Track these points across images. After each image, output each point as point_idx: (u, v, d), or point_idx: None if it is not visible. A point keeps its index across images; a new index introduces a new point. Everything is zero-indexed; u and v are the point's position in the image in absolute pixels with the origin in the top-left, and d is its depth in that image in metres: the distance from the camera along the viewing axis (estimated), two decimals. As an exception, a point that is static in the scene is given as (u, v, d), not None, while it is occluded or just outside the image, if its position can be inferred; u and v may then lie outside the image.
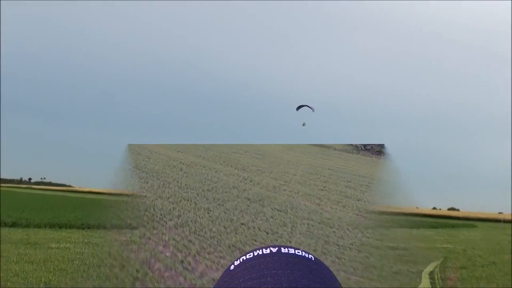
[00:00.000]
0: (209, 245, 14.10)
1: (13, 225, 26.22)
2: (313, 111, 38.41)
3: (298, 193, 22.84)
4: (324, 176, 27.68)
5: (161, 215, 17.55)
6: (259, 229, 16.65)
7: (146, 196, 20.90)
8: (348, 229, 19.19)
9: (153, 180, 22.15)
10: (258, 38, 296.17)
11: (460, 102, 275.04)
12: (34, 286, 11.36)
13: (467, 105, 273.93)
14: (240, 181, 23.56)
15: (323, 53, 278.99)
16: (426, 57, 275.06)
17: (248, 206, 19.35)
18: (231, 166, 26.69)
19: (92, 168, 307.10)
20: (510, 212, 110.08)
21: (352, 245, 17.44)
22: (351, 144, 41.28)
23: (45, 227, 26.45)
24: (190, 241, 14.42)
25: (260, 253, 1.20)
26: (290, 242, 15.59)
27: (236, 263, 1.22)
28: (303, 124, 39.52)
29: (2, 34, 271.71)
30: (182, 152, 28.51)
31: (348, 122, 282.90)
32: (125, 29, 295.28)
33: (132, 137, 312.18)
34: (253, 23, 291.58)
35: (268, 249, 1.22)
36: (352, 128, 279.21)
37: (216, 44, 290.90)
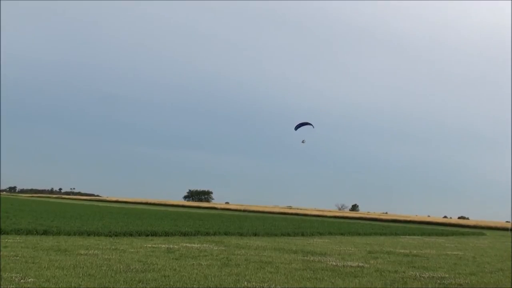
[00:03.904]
0: None
1: (45, 232, 26.34)
2: (313, 127, 38.34)
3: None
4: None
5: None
6: None
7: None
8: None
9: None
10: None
11: (470, 114, 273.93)
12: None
13: (479, 116, 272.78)
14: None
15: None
16: (439, 70, 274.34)
17: None
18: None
19: (118, 178, 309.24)
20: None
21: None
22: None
23: (75, 235, 26.55)
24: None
25: None
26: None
27: None
28: (303, 142, 39.54)
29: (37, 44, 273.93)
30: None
31: (363, 134, 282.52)
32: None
33: (159, 149, 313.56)
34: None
35: None
36: (367, 139, 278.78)
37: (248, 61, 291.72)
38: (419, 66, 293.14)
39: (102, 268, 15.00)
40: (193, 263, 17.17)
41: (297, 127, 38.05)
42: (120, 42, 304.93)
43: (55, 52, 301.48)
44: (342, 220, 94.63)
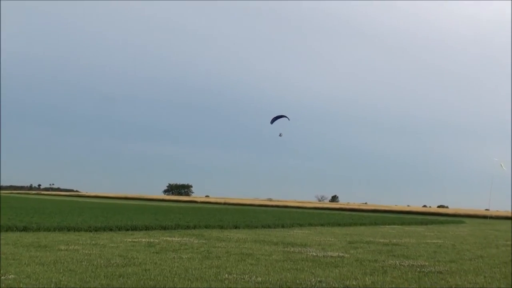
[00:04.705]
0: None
1: (24, 229, 26.21)
2: (288, 120, 38.46)
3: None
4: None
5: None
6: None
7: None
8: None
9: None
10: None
11: (447, 103, 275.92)
12: (45, 287, 11.40)
13: (455, 107, 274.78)
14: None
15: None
16: (422, 63, 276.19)
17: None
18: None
19: (98, 174, 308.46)
20: (496, 209, 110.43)
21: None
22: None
23: (55, 231, 26.44)
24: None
25: None
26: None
27: None
28: (280, 135, 39.71)
29: (6, 38, 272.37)
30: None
31: (343, 125, 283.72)
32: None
33: (138, 144, 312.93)
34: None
35: None
36: (346, 130, 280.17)
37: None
38: (401, 58, 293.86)
39: (83, 263, 14.99)
40: (174, 257, 17.20)
41: (273, 120, 38.15)
42: (96, 34, 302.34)
43: (27, 46, 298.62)
44: (322, 211, 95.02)
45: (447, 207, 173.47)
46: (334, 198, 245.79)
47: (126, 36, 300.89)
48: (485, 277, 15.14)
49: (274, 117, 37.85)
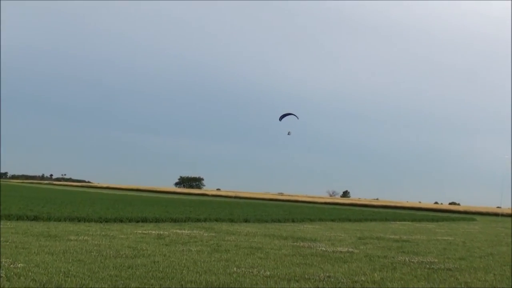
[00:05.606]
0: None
1: (35, 218, 26.31)
2: (297, 118, 38.28)
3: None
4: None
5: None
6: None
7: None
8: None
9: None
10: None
11: (460, 101, 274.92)
12: (54, 276, 11.43)
13: (470, 104, 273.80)
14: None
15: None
16: (427, 58, 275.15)
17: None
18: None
19: (110, 165, 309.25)
20: (508, 206, 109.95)
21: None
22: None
23: (65, 221, 26.53)
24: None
25: None
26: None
27: None
28: (288, 133, 39.51)
29: (17, 31, 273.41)
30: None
31: (355, 121, 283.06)
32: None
33: (151, 136, 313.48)
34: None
35: None
36: (358, 126, 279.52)
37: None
38: (410, 55, 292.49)
39: (92, 253, 15.02)
40: (183, 249, 17.21)
41: (281, 117, 38.09)
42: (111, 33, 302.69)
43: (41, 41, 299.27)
44: (333, 207, 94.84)
45: (458, 204, 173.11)
46: (345, 194, 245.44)
47: (143, 33, 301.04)
48: (494, 275, 15.10)
49: (283, 115, 37.75)
